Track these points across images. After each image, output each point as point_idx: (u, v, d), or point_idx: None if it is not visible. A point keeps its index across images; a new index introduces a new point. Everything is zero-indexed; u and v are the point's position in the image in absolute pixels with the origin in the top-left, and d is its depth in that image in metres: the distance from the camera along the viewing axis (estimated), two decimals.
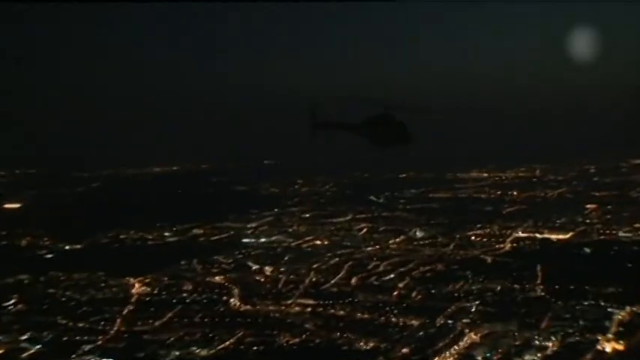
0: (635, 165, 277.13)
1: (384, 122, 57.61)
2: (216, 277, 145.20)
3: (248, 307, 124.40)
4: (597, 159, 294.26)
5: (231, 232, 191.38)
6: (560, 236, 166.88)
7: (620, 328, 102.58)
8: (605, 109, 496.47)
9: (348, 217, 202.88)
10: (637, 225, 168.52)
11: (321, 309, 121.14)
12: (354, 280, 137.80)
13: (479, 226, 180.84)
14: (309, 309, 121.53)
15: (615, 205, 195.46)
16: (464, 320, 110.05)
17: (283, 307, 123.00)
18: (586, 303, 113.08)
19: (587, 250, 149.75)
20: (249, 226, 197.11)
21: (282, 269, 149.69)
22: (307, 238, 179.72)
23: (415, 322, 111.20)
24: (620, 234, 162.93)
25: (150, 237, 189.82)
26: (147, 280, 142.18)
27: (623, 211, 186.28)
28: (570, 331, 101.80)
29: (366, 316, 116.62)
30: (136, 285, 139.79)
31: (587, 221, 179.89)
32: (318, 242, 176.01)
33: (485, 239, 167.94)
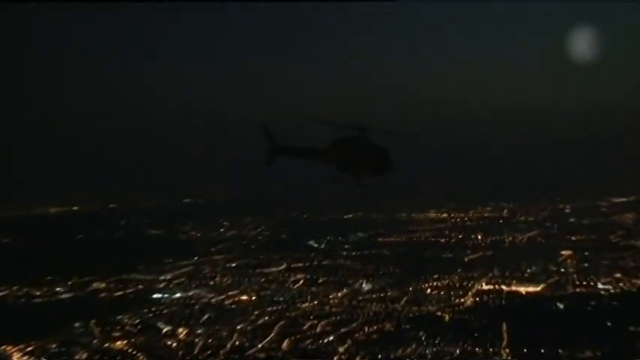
0: (616, 204, 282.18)
1: (359, 146, 57.17)
2: (118, 342, 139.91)
3: None
4: (574, 197, 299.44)
5: (140, 286, 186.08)
6: (530, 289, 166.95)
7: None
8: (583, 138, 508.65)
9: (282, 267, 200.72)
10: (617, 275, 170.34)
11: None
12: (285, 344, 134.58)
13: (436, 276, 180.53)
14: None
15: (593, 252, 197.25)
16: None
17: None
18: None
19: (561, 305, 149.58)
20: (162, 278, 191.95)
21: (198, 331, 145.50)
22: (232, 293, 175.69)
23: None
24: (599, 286, 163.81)
25: (37, 293, 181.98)
26: (29, 349, 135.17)
27: (601, 259, 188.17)
28: None
29: None
30: (15, 355, 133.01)
31: (562, 270, 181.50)
32: (245, 297, 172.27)
33: (442, 292, 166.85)
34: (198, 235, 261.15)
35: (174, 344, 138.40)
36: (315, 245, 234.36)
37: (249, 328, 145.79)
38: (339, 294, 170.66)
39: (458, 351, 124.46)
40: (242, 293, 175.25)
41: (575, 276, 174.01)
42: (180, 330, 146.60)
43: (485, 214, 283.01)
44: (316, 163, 60.65)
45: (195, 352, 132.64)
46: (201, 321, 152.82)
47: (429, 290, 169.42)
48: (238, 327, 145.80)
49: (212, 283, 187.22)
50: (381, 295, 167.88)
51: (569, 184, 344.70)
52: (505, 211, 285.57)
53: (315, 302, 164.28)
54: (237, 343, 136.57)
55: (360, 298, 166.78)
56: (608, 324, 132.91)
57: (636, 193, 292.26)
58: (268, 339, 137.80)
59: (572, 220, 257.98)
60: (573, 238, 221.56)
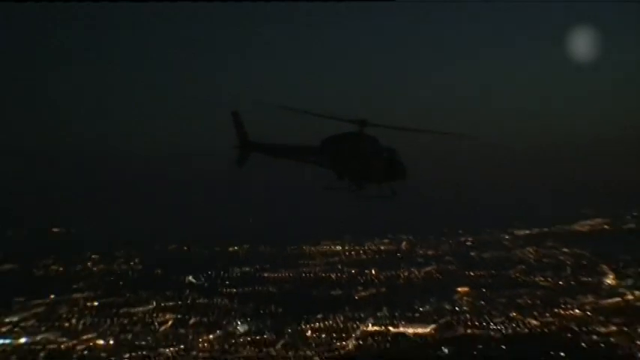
0: (519, 237, 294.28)
1: (360, 144, 53.87)
2: None
3: None
4: (477, 229, 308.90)
5: None
6: (419, 330, 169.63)
7: None
8: (496, 166, 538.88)
9: (151, 306, 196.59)
10: (513, 314, 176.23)
11: None
12: None
13: (320, 316, 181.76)
14: None
15: (491, 289, 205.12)
16: None
17: None
18: None
19: (446, 350, 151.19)
20: (7, 320, 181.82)
21: None
22: (86, 337, 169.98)
23: None
24: (491, 326, 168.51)
25: None
26: None
27: (499, 296, 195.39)
28: None
29: None
30: None
31: (456, 309, 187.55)
32: (100, 342, 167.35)
33: (324, 335, 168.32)
34: (60, 269, 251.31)
35: None
36: (194, 281, 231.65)
37: None
38: (210, 336, 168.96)
39: None
40: (98, 337, 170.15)
41: (468, 315, 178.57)
42: None
43: (383, 247, 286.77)
44: (301, 165, 57.82)
45: None
46: None
47: (309, 332, 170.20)
48: None
49: (67, 325, 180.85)
50: (257, 337, 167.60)
51: (478, 212, 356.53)
52: (404, 243, 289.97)
53: (181, 346, 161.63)
54: None
55: (233, 341, 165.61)
56: None
57: (540, 225, 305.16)
58: None
59: (472, 253, 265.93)
60: (472, 274, 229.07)
